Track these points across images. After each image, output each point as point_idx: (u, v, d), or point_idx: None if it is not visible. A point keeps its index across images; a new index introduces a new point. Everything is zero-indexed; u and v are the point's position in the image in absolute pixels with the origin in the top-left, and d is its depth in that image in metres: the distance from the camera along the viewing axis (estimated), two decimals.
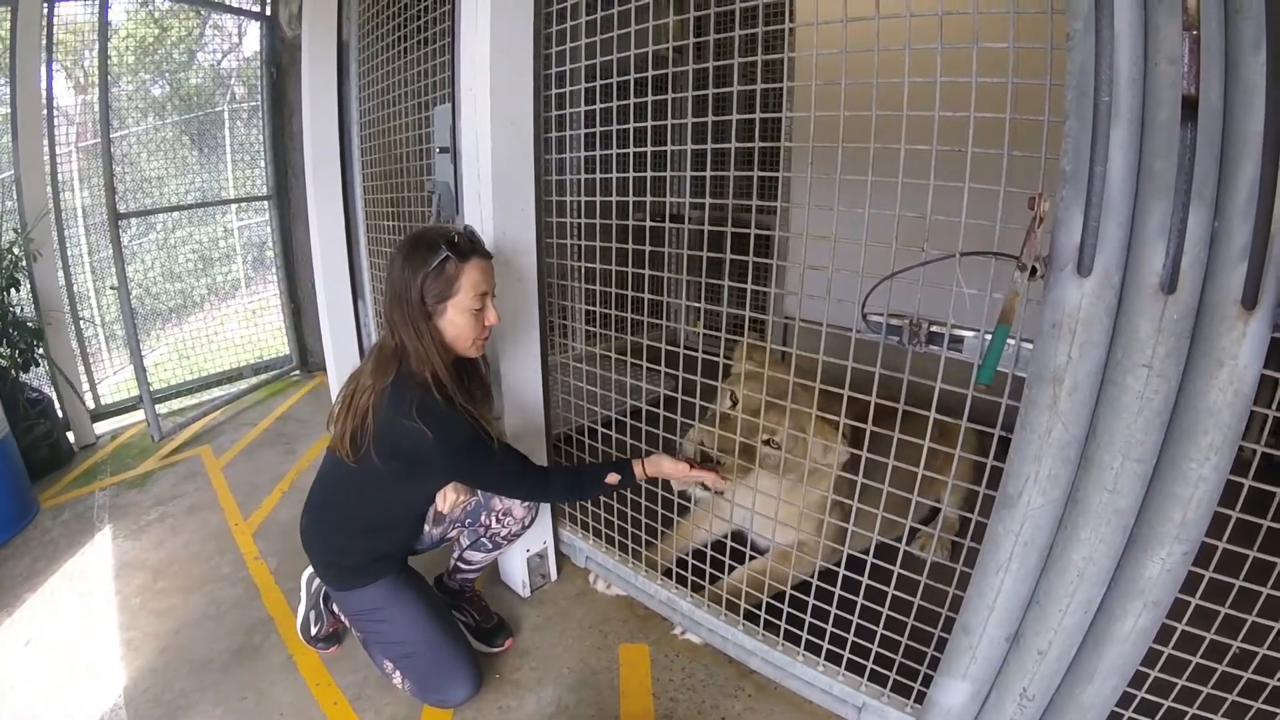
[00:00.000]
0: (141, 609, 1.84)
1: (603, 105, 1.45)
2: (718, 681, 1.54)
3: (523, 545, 1.76)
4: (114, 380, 3.39)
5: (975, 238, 0.96)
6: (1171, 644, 0.94)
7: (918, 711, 1.27)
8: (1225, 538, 0.87)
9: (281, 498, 2.42)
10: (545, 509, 1.78)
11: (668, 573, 1.71)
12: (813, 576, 1.43)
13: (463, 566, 1.64)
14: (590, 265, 1.62)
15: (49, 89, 2.79)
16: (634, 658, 1.62)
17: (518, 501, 1.55)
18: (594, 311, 1.72)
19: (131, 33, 3.62)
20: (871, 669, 1.32)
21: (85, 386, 3.04)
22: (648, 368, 1.58)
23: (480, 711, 1.47)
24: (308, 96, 2.51)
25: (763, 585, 1.53)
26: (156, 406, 2.93)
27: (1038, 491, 0.96)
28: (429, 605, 1.48)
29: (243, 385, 3.52)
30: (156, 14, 3.60)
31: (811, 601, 1.36)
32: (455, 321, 1.27)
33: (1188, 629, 0.92)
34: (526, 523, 1.58)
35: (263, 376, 3.64)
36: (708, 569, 1.60)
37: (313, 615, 1.60)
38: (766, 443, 1.51)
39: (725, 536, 1.53)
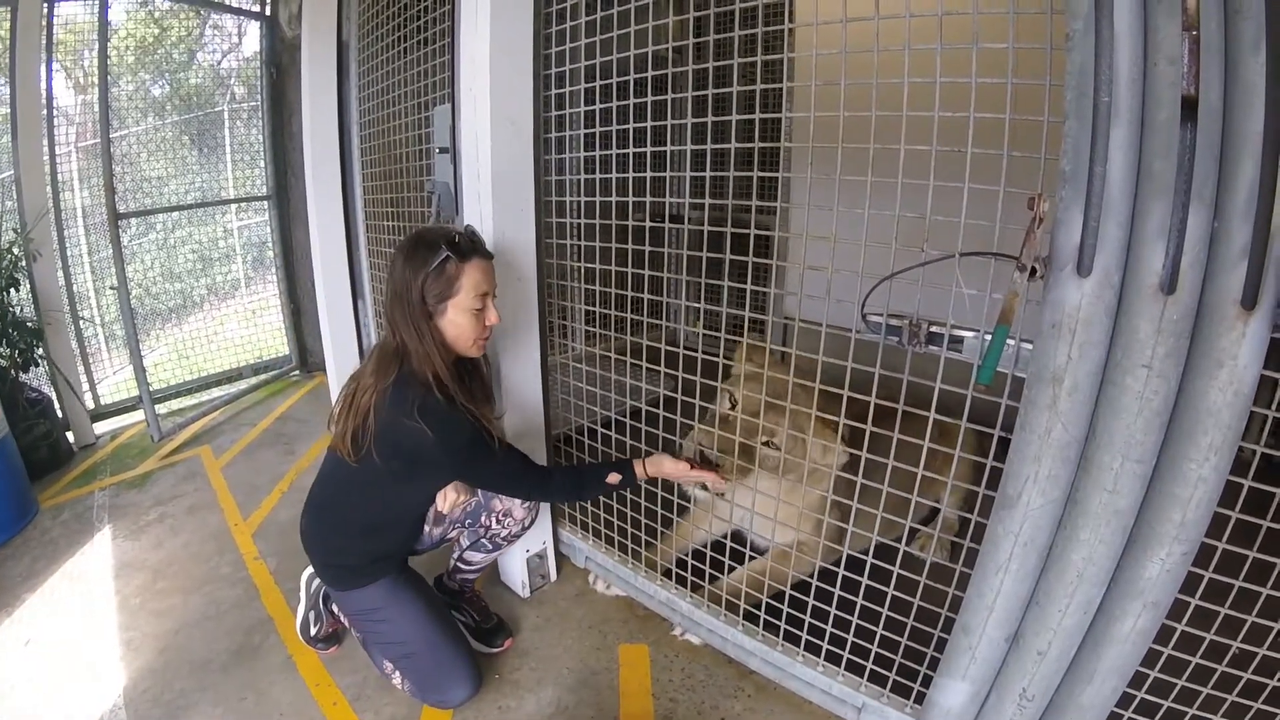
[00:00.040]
0: (141, 609, 1.84)
1: (603, 105, 1.45)
2: (717, 682, 1.54)
3: (522, 545, 1.75)
4: (113, 380, 3.39)
5: (975, 238, 0.96)
6: (1171, 644, 0.94)
7: (917, 712, 1.27)
8: (1225, 538, 0.87)
9: (281, 498, 2.42)
10: (545, 510, 1.78)
11: (667, 573, 1.71)
12: (812, 576, 1.43)
13: (462, 567, 1.64)
14: (590, 265, 1.62)
15: (49, 89, 2.79)
16: (634, 658, 1.62)
17: (518, 502, 1.55)
18: (594, 311, 1.72)
19: (131, 33, 3.62)
20: (871, 669, 1.32)
21: (85, 386, 3.04)
22: (647, 368, 1.58)
23: (480, 712, 1.47)
24: (307, 96, 2.51)
25: (762, 585, 1.53)
26: (156, 407, 2.93)
27: (1037, 492, 0.96)
28: (429, 605, 1.48)
29: (242, 385, 3.52)
30: (156, 14, 3.60)
31: (811, 602, 1.36)
32: (456, 321, 1.27)
33: (1187, 629, 0.92)
34: (526, 524, 1.58)
35: (262, 377, 3.64)
36: (707, 569, 1.60)
37: (312, 615, 1.60)
38: (766, 443, 1.51)
39: (724, 537, 1.53)
